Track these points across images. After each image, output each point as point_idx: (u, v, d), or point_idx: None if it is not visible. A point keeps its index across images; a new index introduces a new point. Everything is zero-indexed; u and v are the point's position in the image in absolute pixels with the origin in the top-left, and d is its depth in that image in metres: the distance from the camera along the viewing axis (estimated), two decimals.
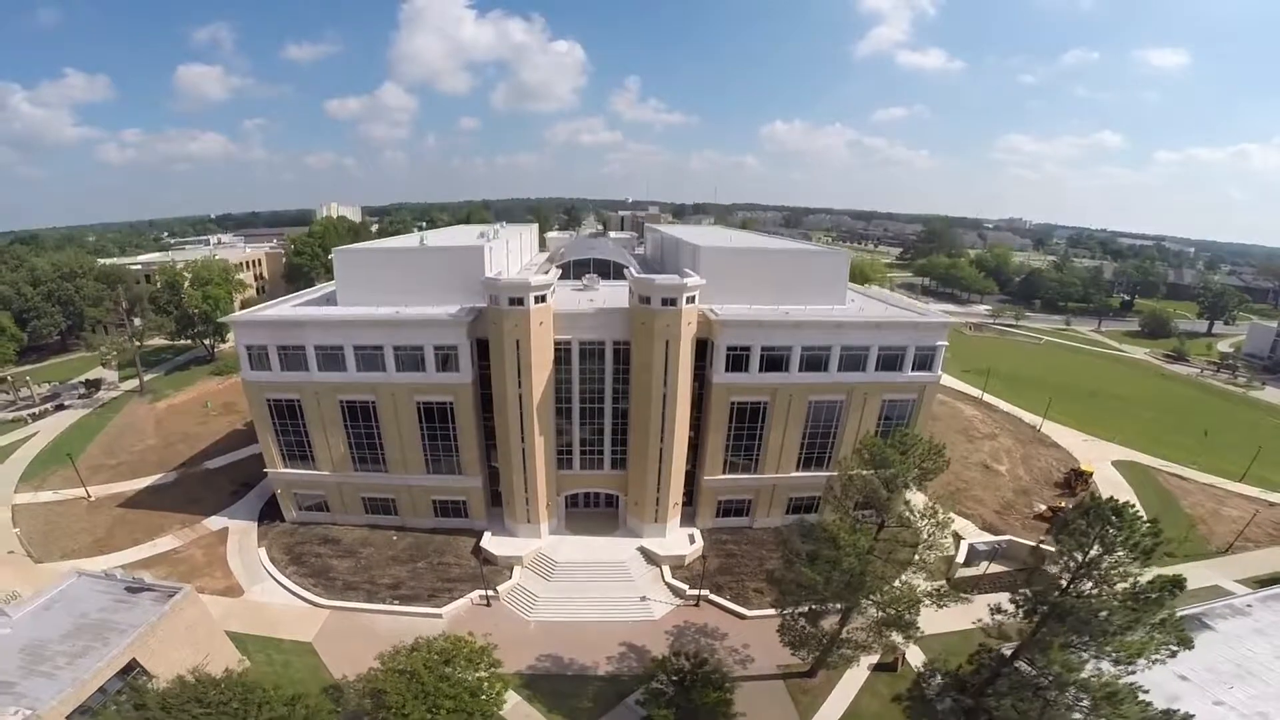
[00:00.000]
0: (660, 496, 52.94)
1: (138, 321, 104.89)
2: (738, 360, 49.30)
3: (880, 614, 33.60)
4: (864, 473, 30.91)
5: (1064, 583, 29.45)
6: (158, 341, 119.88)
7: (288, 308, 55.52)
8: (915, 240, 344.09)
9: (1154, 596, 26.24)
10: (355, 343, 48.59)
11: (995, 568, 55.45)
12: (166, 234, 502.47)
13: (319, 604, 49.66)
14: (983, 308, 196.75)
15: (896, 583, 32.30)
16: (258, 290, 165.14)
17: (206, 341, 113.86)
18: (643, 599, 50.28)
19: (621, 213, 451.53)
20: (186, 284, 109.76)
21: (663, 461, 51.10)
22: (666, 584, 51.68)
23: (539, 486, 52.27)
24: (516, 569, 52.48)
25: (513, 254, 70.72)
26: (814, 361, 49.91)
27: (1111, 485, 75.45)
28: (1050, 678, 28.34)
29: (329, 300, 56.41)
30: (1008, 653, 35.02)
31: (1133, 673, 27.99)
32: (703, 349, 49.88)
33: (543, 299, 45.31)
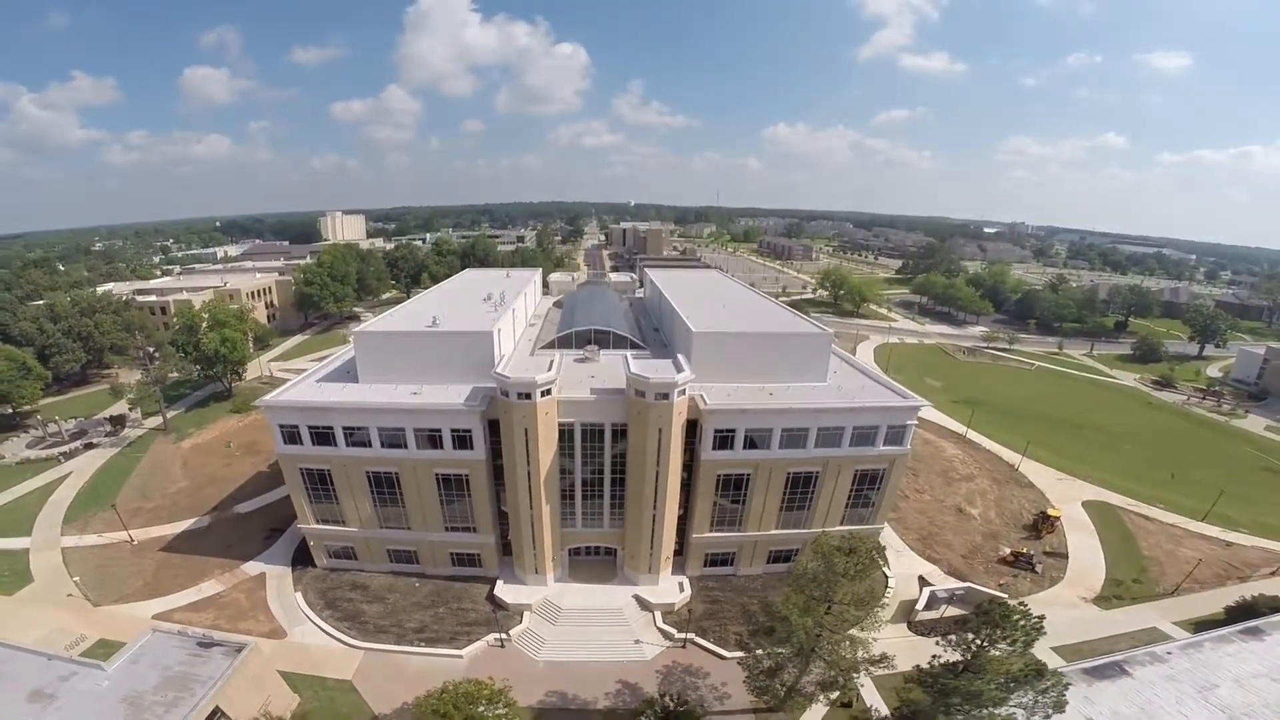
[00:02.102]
0: (653, 552, 59.01)
1: (159, 363, 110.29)
2: (724, 440, 55.01)
3: (824, 675, 39.38)
4: (818, 572, 36.70)
5: (960, 667, 34.98)
6: (175, 375, 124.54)
7: (312, 384, 61.14)
8: (915, 252, 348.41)
9: (1023, 679, 31.96)
10: (379, 425, 54.59)
11: (954, 611, 60.70)
12: (172, 240, 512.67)
13: (355, 645, 55.64)
14: (978, 329, 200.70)
15: (842, 649, 37.98)
16: (269, 318, 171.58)
17: (226, 379, 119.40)
18: (636, 642, 56.19)
19: (624, 225, 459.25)
20: (204, 326, 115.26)
21: (655, 525, 57.05)
22: (658, 628, 57.59)
23: (545, 544, 58.22)
24: (526, 614, 58.37)
25: (521, 315, 77.13)
26: (793, 440, 55.50)
27: (1078, 526, 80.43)
28: None
29: (350, 371, 62.40)
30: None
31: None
32: (693, 426, 55.41)
33: (547, 393, 51.04)
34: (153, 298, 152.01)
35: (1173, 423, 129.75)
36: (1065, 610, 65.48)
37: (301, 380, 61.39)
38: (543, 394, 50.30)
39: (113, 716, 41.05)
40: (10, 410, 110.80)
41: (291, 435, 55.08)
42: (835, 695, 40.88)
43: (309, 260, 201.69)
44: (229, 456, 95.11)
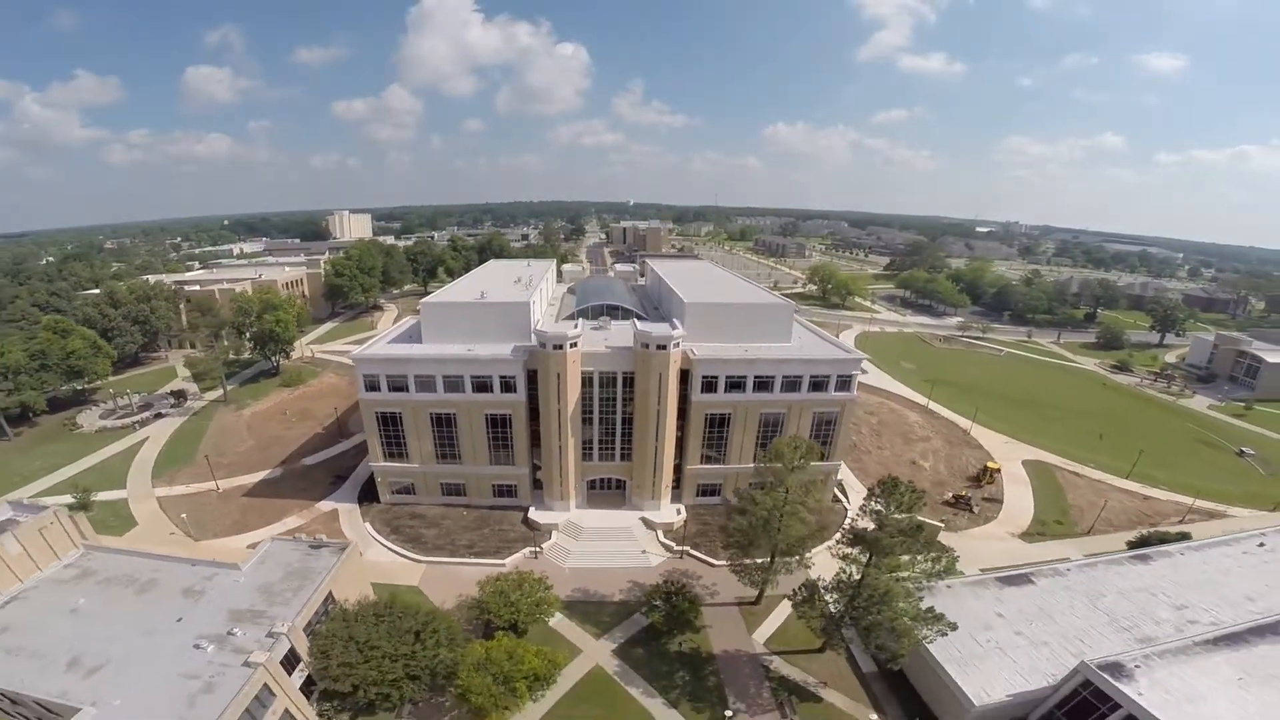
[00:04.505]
0: (656, 481, 73.75)
1: (222, 341, 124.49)
2: (709, 385, 70.13)
3: (783, 545, 53.82)
4: (774, 465, 51.37)
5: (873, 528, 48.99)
6: (232, 355, 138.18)
7: (384, 345, 76.41)
8: (903, 250, 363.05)
9: (911, 531, 46.21)
10: (444, 373, 69.39)
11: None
12: (180, 238, 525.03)
13: (418, 560, 69.90)
14: (955, 320, 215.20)
15: (794, 524, 52.31)
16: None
17: (275, 358, 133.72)
18: (643, 552, 70.89)
19: (624, 223, 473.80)
20: (257, 309, 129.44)
21: (657, 457, 71.81)
22: (660, 542, 72.33)
23: (570, 473, 73.08)
24: (554, 533, 72.99)
25: (544, 294, 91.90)
26: (763, 385, 70.60)
27: (1015, 480, 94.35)
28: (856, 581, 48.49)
29: (413, 336, 77.41)
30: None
31: (923, 591, 48.21)
32: (685, 376, 70.28)
33: (575, 344, 66.16)
34: (196, 288, 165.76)
35: (1124, 402, 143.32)
36: (995, 542, 79.46)
37: (375, 342, 76.66)
38: (571, 345, 65.56)
39: (252, 601, 52.67)
40: (81, 387, 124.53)
41: (372, 384, 69.81)
42: (793, 561, 55.24)
43: (327, 256, 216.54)
44: (287, 423, 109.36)
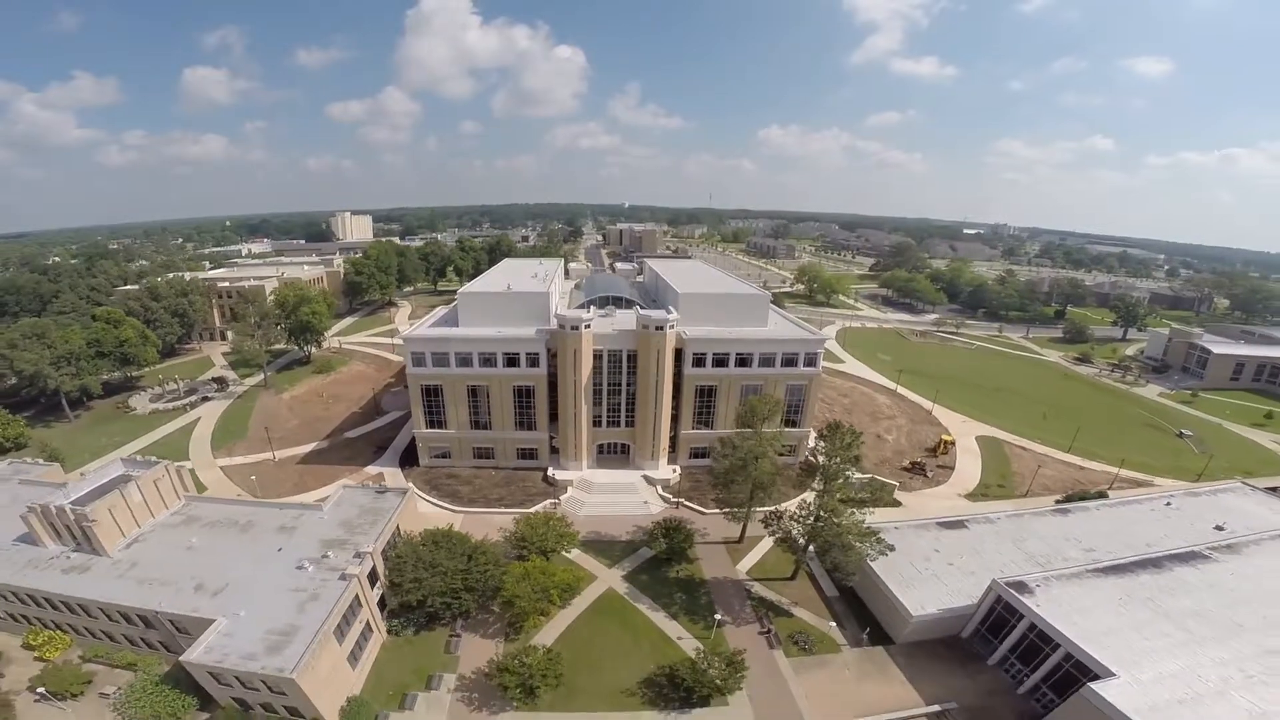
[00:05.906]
0: (655, 444, 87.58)
1: (263, 330, 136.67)
2: (699, 361, 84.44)
3: (756, 481, 67.49)
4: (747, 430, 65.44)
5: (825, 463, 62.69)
6: (269, 346, 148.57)
7: (427, 328, 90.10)
8: (888, 251, 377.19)
9: (844, 469, 60.02)
10: (479, 351, 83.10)
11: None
12: (181, 239, 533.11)
13: (456, 510, 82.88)
14: (931, 316, 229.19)
15: (764, 465, 65.93)
16: None
17: (309, 348, 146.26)
18: (645, 503, 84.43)
19: (620, 226, 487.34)
20: (293, 302, 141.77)
21: (656, 423, 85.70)
22: (659, 495, 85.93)
23: (583, 437, 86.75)
24: (570, 488, 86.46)
25: (556, 287, 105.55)
26: (744, 361, 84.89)
27: (967, 451, 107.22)
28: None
29: (451, 320, 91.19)
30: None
31: (864, 515, 61.75)
32: (679, 355, 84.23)
33: (588, 326, 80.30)
34: (225, 284, 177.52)
35: (1081, 389, 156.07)
36: (944, 500, 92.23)
37: (419, 326, 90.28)
38: (585, 327, 79.75)
39: (336, 533, 64.49)
40: (131, 373, 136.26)
41: (419, 360, 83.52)
42: (767, 505, 69.06)
43: (339, 256, 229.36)
44: (324, 404, 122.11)
